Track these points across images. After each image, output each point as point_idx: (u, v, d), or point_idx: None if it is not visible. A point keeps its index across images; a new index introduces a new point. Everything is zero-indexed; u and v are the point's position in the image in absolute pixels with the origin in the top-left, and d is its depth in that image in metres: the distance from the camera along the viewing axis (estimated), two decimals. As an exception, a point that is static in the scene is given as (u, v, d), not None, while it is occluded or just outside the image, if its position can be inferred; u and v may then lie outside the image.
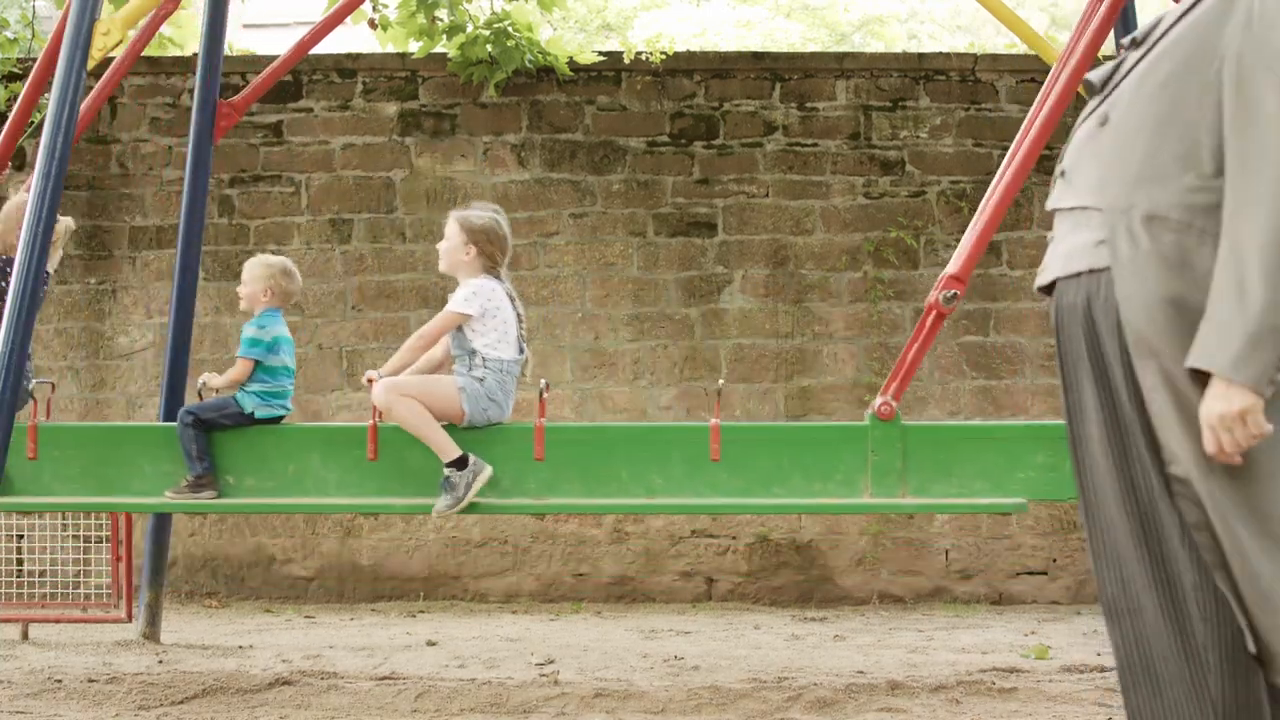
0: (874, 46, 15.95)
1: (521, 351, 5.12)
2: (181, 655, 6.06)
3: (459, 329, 5.04)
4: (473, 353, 5.02)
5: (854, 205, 8.38)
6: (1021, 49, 8.09)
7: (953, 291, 5.09)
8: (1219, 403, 2.25)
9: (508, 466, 5.02)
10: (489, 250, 5.11)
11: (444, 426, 4.96)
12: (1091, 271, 2.43)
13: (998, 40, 10.85)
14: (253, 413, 5.16)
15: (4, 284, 5.27)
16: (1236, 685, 2.30)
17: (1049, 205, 2.61)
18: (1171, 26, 2.48)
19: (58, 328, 8.36)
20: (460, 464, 4.90)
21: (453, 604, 8.07)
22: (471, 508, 4.94)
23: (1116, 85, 2.53)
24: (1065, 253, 2.51)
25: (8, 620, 6.76)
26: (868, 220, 8.36)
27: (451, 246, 5.13)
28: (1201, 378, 2.29)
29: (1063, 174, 2.59)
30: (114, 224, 8.43)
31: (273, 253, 8.33)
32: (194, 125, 6.41)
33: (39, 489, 5.17)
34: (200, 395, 5.27)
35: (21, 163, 8.28)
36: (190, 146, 6.45)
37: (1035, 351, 8.26)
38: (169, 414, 6.03)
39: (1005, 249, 8.33)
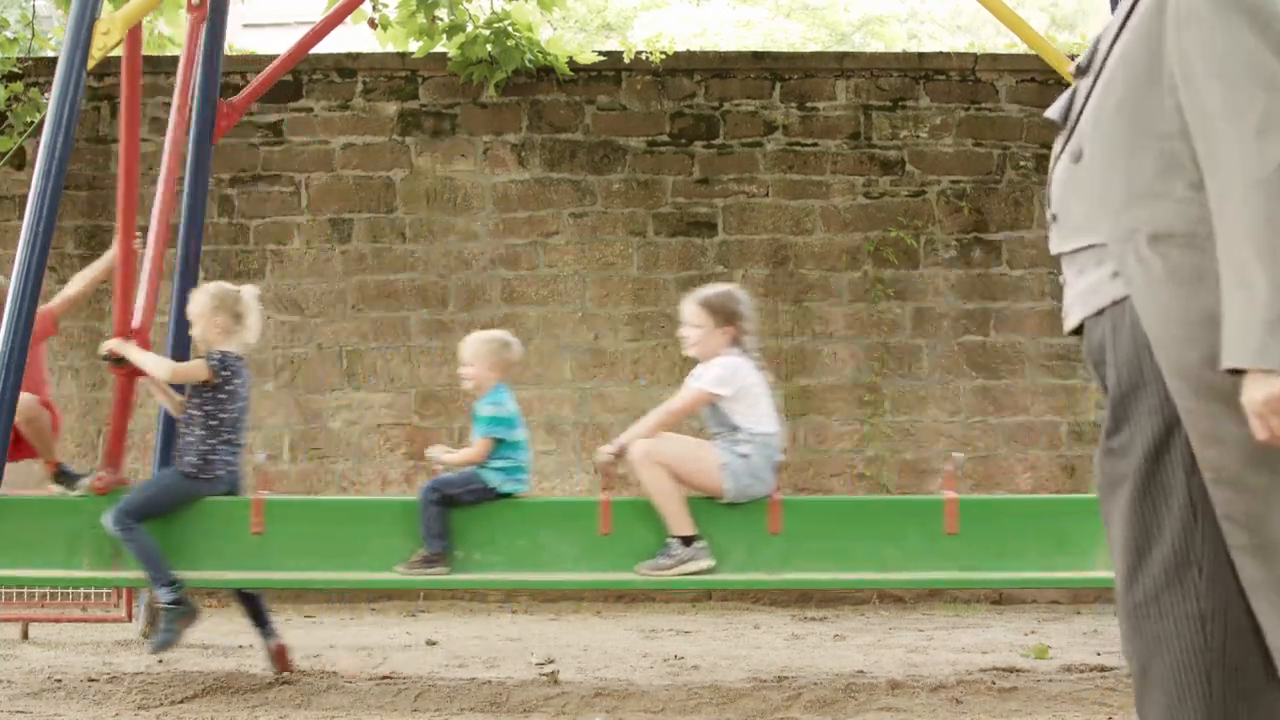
0: (874, 46, 15.93)
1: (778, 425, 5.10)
2: (181, 655, 6.06)
3: (714, 405, 5.01)
4: (735, 428, 4.98)
5: (854, 205, 8.38)
6: (1021, 49, 8.08)
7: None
8: (1257, 390, 2.23)
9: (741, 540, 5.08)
10: (739, 325, 5.09)
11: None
12: (1114, 304, 2.43)
13: (998, 40, 10.84)
14: (497, 488, 5.14)
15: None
16: (1238, 706, 2.29)
17: (1051, 250, 2.60)
18: (1111, 46, 2.46)
19: (57, 327, 8.33)
20: (687, 541, 4.92)
21: (453, 604, 8.07)
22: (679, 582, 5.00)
23: (1079, 117, 2.51)
24: (1082, 293, 2.50)
25: (8, 620, 6.77)
26: (868, 220, 8.36)
27: (703, 332, 5.08)
28: (1237, 386, 2.27)
29: (1054, 218, 2.58)
30: (114, 224, 8.38)
31: (272, 253, 8.37)
32: (194, 125, 6.41)
33: (264, 564, 5.14)
34: (433, 470, 5.25)
35: (21, 162, 8.28)
36: (190, 146, 6.45)
37: (1035, 351, 8.25)
38: (166, 416, 6.01)
39: (1005, 249, 8.33)
